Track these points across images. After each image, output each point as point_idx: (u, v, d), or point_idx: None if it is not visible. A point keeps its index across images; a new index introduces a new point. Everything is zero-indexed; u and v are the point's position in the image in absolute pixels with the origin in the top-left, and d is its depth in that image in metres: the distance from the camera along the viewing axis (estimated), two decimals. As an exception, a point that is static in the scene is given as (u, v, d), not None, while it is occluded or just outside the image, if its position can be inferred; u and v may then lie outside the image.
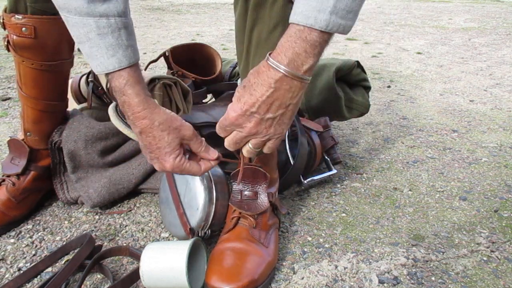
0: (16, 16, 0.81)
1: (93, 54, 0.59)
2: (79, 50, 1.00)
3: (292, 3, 0.67)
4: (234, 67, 1.30)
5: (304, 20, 0.51)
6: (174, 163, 0.64)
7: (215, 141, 1.03)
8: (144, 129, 0.63)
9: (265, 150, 0.62)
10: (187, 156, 0.67)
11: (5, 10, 0.82)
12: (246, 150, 0.62)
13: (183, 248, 0.71)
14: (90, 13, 0.57)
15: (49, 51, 0.86)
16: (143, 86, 0.62)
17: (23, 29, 0.81)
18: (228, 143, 0.62)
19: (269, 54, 0.55)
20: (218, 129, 0.62)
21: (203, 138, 0.68)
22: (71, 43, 0.90)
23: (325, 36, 0.53)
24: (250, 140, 0.61)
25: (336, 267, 0.81)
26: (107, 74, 0.61)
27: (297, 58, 0.53)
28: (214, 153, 0.69)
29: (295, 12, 0.53)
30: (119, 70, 0.60)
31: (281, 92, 0.55)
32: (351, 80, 1.26)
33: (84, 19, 0.57)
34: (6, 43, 0.85)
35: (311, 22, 0.51)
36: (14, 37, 0.82)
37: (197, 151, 0.68)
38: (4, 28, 0.83)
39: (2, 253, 0.84)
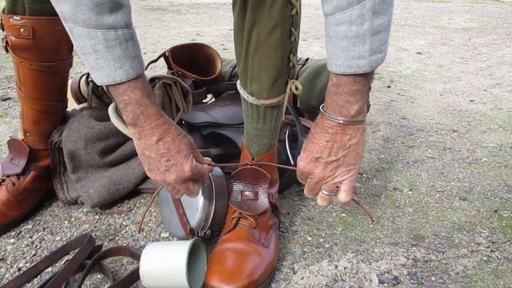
0: (14, 17, 0.80)
1: (99, 66, 0.58)
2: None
3: (292, 4, 0.68)
4: (234, 67, 1.30)
5: (347, 69, 0.55)
6: (192, 165, 0.66)
7: (215, 141, 1.03)
8: (163, 135, 0.63)
9: (341, 196, 0.65)
10: None
11: (3, 11, 0.82)
12: (320, 197, 0.67)
13: (183, 248, 0.71)
14: (99, 26, 0.55)
15: (48, 52, 0.85)
16: (150, 92, 0.63)
17: (22, 30, 0.81)
18: (305, 191, 0.68)
19: (322, 107, 0.61)
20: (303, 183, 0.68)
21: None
22: (70, 43, 0.90)
23: (368, 76, 0.57)
24: (322, 186, 0.65)
25: (336, 267, 0.81)
26: (108, 87, 0.60)
27: (344, 107, 0.58)
28: (208, 160, 0.74)
29: (336, 65, 0.56)
30: (128, 81, 0.59)
31: (338, 136, 0.60)
32: (351, 80, 1.26)
33: (92, 31, 0.55)
34: (4, 44, 0.84)
35: (354, 70, 0.55)
36: (13, 38, 0.82)
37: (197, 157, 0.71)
38: (3, 29, 0.83)
39: (2, 253, 0.84)
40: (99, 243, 0.86)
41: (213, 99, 1.29)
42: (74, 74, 1.86)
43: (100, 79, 0.59)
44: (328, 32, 0.56)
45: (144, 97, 0.60)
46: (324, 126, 0.60)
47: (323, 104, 0.61)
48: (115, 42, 0.57)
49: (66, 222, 0.95)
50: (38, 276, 0.78)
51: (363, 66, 0.54)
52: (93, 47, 0.57)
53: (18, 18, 0.80)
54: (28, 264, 0.81)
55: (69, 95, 1.05)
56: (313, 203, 1.03)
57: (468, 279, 0.78)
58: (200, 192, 0.81)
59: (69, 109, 1.02)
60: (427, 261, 0.83)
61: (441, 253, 0.85)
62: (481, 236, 0.90)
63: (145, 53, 2.68)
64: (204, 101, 1.22)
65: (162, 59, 1.15)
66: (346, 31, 0.54)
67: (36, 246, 0.87)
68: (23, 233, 0.91)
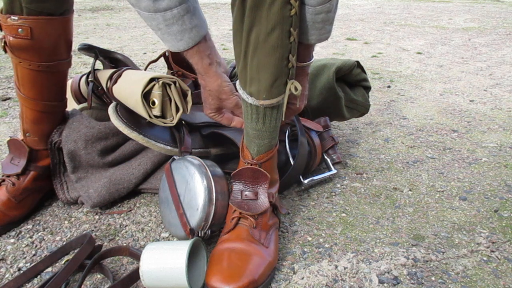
0: (12, 17, 0.80)
1: (165, 39, 0.74)
2: (78, 50, 1.01)
3: (291, 4, 0.68)
4: (234, 67, 1.30)
5: (318, 41, 0.78)
6: (209, 115, 0.88)
7: (215, 141, 1.03)
8: (204, 88, 0.84)
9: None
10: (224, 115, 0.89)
11: (1, 11, 0.82)
12: None
13: (183, 248, 0.71)
14: (157, 10, 0.70)
15: (46, 51, 0.85)
16: (206, 54, 0.78)
17: (19, 30, 0.81)
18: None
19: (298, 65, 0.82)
20: None
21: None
22: (68, 43, 0.90)
23: None
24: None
25: (336, 267, 0.81)
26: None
27: (309, 56, 0.85)
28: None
29: (309, 39, 0.77)
30: (189, 48, 0.76)
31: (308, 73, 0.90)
32: (351, 80, 1.26)
33: (153, 14, 0.71)
34: (3, 44, 0.84)
35: (322, 40, 0.79)
36: (11, 38, 0.82)
37: (237, 114, 0.90)
38: (1, 29, 0.83)
39: (2, 253, 0.84)
40: (99, 243, 0.86)
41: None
42: (74, 74, 1.86)
43: (169, 48, 0.76)
44: (306, 18, 0.72)
45: (196, 59, 0.78)
46: (305, 73, 0.84)
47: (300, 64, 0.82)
48: (172, 20, 0.71)
49: (66, 222, 0.95)
50: (38, 276, 0.78)
51: (327, 37, 0.77)
52: (157, 26, 0.72)
53: (16, 18, 0.80)
54: (28, 264, 0.81)
55: (69, 95, 1.05)
56: (313, 203, 1.03)
57: (468, 279, 0.78)
58: (200, 192, 0.81)
59: (69, 109, 1.02)
60: (427, 261, 0.83)
61: (441, 253, 0.85)
62: (481, 236, 0.90)
63: (145, 53, 2.68)
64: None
65: (162, 59, 1.15)
66: (324, 17, 0.72)
67: (36, 246, 0.87)
68: (23, 233, 0.91)
